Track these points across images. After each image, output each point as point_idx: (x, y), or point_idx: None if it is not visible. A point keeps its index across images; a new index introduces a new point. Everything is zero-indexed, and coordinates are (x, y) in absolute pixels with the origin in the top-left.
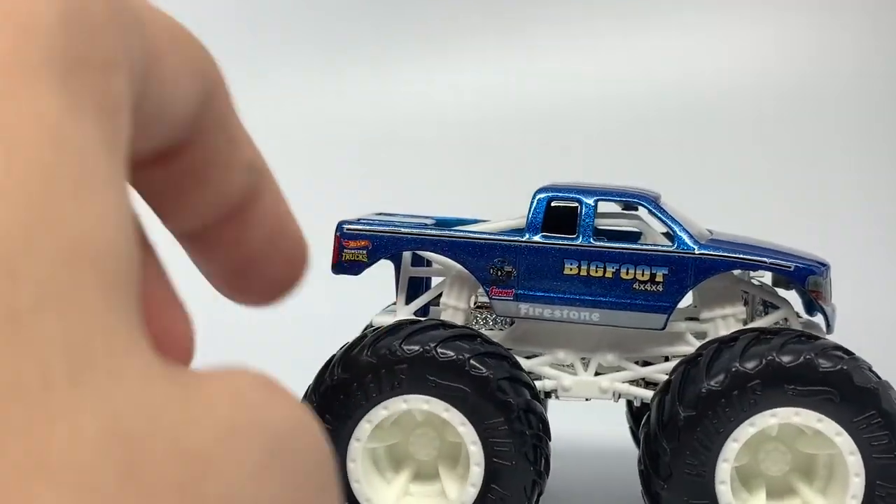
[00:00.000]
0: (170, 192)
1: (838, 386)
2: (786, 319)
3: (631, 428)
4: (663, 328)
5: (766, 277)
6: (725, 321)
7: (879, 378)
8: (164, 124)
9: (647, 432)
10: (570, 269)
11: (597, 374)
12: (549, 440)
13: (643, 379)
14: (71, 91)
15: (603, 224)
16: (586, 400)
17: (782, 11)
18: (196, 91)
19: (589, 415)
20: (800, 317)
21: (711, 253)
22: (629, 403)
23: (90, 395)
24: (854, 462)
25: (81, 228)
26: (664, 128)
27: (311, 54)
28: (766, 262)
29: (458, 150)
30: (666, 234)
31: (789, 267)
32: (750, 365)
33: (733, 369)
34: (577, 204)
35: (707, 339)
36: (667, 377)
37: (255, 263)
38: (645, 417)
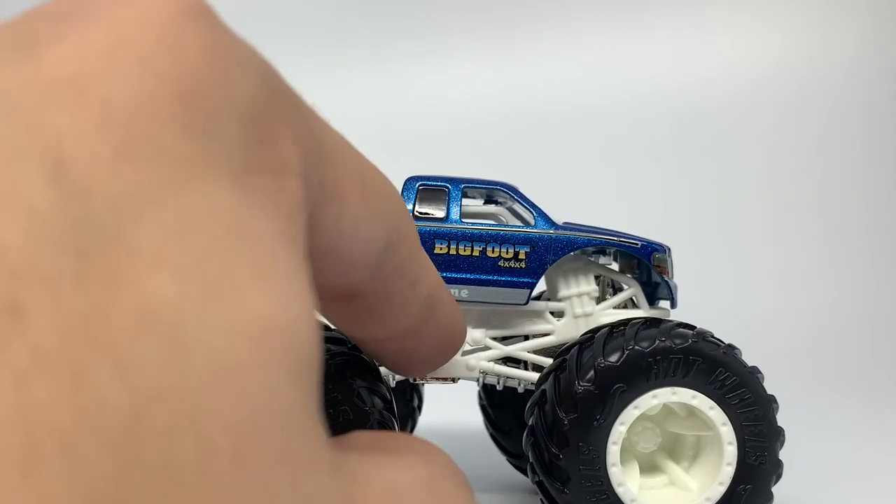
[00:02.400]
0: (346, 320)
1: (694, 360)
2: (632, 298)
3: (482, 405)
4: (526, 303)
5: (614, 266)
6: (580, 299)
7: (723, 342)
8: (340, 265)
9: (535, 441)
10: (440, 249)
11: (462, 353)
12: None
13: (505, 360)
14: (246, 190)
15: (467, 215)
16: (453, 381)
17: (782, 12)
18: (380, 243)
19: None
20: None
21: (567, 232)
22: (485, 394)
23: (252, 483)
24: (726, 432)
25: (260, 309)
26: (664, 128)
27: (311, 53)
28: (615, 241)
29: (458, 149)
30: (524, 220)
31: (636, 244)
32: (613, 358)
33: (599, 365)
34: (445, 188)
35: (565, 316)
36: (535, 364)
37: (419, 359)
38: (527, 429)
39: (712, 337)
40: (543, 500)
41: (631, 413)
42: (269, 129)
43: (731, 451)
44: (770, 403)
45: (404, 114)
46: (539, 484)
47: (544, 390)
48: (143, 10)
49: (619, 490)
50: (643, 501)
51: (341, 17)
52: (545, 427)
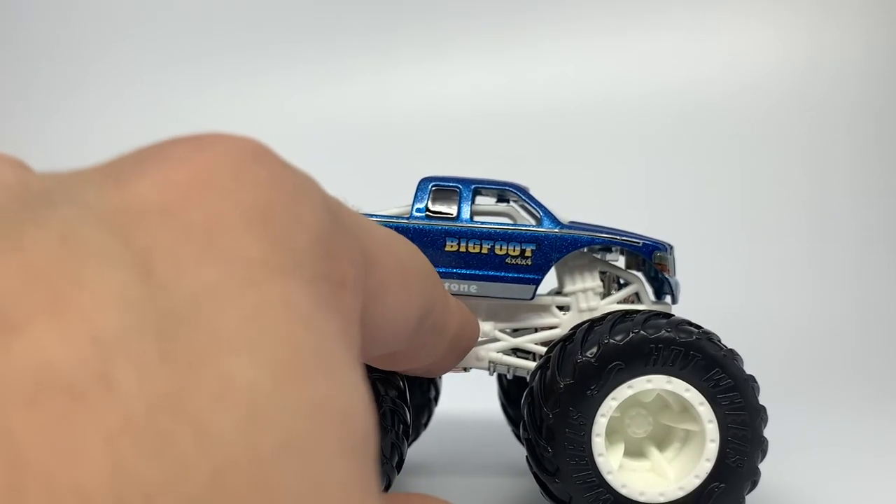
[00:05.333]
0: (380, 364)
1: (694, 355)
2: (637, 294)
3: (502, 403)
4: (532, 298)
5: (621, 262)
6: (585, 294)
7: (726, 347)
8: (383, 343)
9: (531, 402)
10: (451, 246)
11: None
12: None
13: (515, 350)
14: (313, 293)
15: (480, 213)
16: (465, 370)
17: (782, 11)
18: (417, 316)
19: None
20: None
21: (571, 231)
22: (500, 381)
23: None
24: (711, 429)
25: (324, 391)
26: (667, 128)
27: (311, 53)
28: (617, 239)
29: (458, 150)
30: (532, 219)
31: (638, 243)
32: (618, 338)
33: (603, 342)
34: (457, 189)
35: (571, 310)
36: (544, 352)
37: (439, 370)
38: (526, 392)
39: (717, 339)
40: (529, 456)
41: (624, 391)
42: (330, 249)
43: (712, 447)
44: (759, 413)
45: (406, 115)
46: (527, 441)
47: (549, 357)
48: (217, 154)
49: (599, 459)
50: (620, 477)
51: (343, 18)
52: (543, 389)
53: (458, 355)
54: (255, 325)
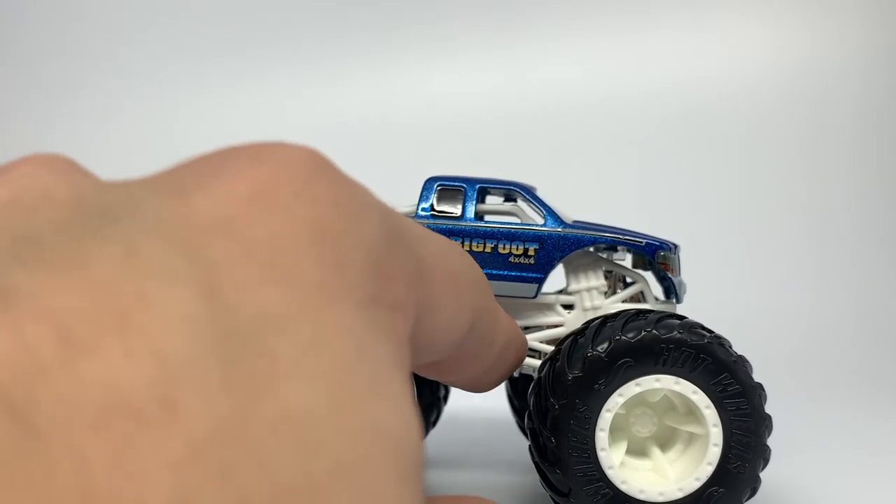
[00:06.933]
0: (425, 373)
1: (704, 358)
2: (642, 293)
3: (508, 395)
4: (535, 297)
5: (628, 261)
6: (590, 293)
7: (736, 353)
8: (431, 353)
9: (538, 392)
10: None
11: None
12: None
13: None
14: (367, 317)
15: (485, 212)
16: None
17: (783, 11)
18: (466, 326)
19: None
20: (657, 299)
21: (574, 231)
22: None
23: None
24: (716, 433)
25: (375, 416)
26: (664, 129)
27: (312, 53)
28: (620, 238)
29: (458, 150)
30: (536, 218)
31: (641, 242)
32: (630, 335)
33: (615, 338)
34: (462, 188)
35: (575, 309)
36: (554, 347)
37: (484, 385)
38: (533, 383)
39: (728, 345)
40: (532, 447)
41: (631, 388)
42: (386, 270)
43: (715, 451)
44: (764, 421)
45: (410, 114)
46: (531, 430)
47: (560, 349)
48: (279, 169)
49: (601, 454)
50: (621, 473)
51: (343, 18)
52: (550, 380)
53: (506, 370)
54: (312, 352)
